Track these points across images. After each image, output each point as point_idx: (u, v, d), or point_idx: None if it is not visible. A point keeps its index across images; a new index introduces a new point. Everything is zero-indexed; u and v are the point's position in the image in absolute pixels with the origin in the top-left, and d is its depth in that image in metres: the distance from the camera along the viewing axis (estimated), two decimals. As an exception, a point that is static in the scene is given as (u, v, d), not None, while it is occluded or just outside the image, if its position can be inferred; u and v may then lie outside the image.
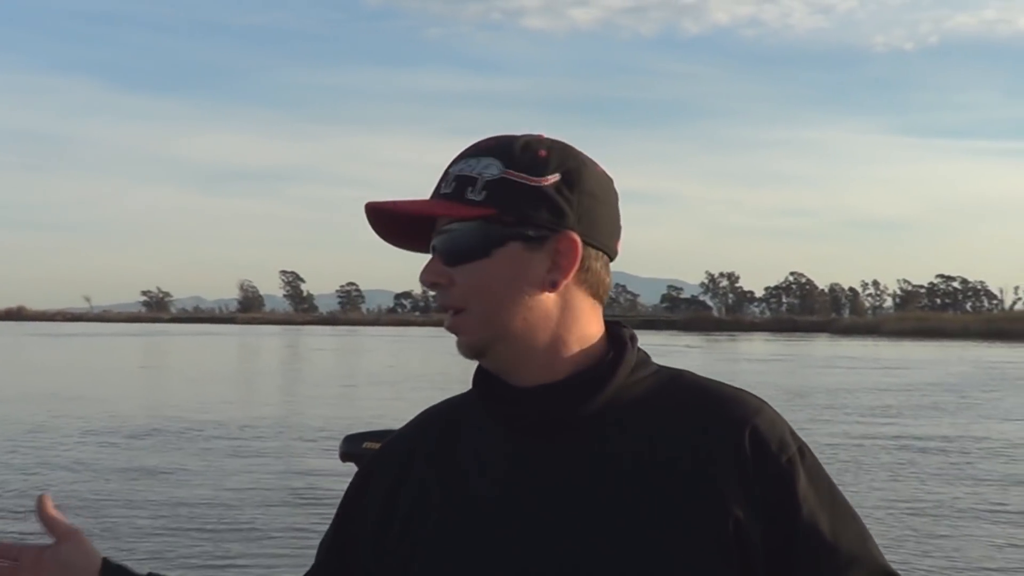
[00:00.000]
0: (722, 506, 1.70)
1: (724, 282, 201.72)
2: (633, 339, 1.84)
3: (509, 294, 1.76)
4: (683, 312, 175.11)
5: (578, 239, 1.77)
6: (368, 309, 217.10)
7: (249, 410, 26.91)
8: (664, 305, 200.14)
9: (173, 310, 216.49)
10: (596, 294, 1.81)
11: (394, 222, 1.83)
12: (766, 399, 1.81)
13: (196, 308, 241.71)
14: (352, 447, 3.33)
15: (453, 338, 1.79)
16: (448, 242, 1.79)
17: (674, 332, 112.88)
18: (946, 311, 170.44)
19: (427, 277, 1.81)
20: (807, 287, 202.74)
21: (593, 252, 1.80)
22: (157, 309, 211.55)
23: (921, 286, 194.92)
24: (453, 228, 1.78)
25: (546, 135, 1.84)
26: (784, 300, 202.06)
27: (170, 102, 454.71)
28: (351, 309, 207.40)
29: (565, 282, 1.77)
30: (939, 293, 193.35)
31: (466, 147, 1.83)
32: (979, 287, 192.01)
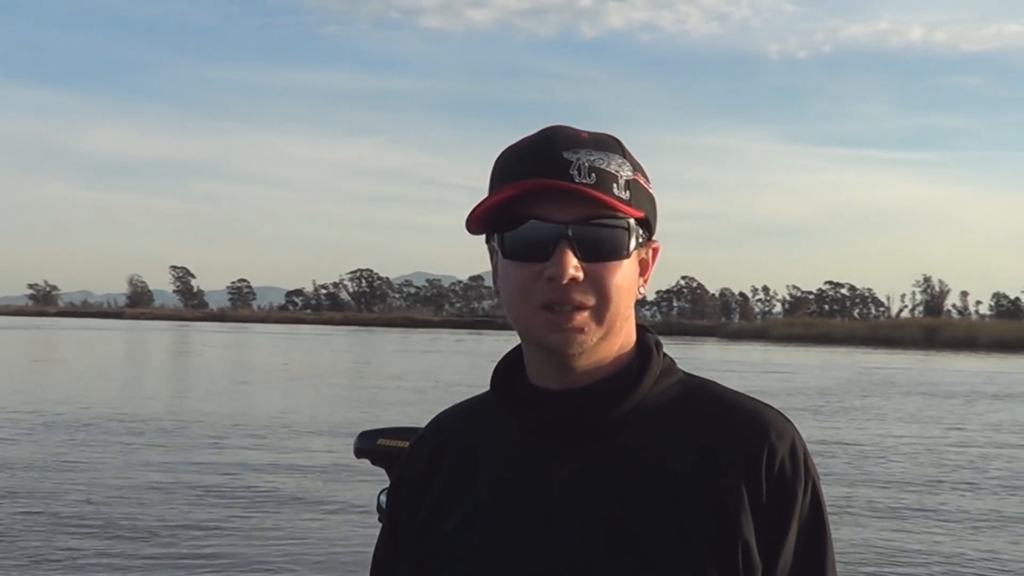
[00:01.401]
0: (730, 522, 1.70)
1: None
2: (659, 346, 1.85)
3: (627, 297, 1.75)
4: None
5: (659, 247, 1.84)
6: (259, 306, 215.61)
7: (141, 405, 26.57)
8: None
9: (60, 304, 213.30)
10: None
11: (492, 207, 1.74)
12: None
13: (84, 302, 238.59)
14: (366, 443, 3.36)
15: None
16: (593, 236, 1.71)
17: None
18: (834, 317, 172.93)
19: (568, 272, 1.70)
20: (698, 291, 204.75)
21: None
22: (44, 303, 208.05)
23: (810, 292, 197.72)
24: (601, 223, 1.72)
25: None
26: (675, 304, 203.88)
27: (61, 94, 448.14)
28: (242, 306, 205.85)
29: (644, 289, 1.81)
30: (827, 299, 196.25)
31: (561, 132, 1.77)
32: (867, 294, 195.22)
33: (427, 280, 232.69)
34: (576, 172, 1.69)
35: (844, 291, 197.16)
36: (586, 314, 1.72)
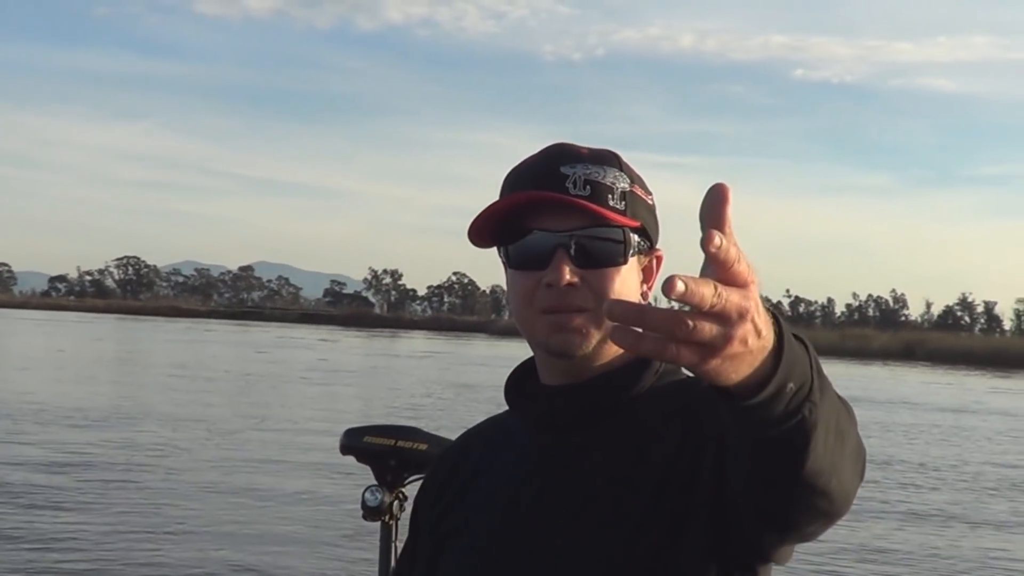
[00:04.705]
0: (700, 510, 1.69)
1: (387, 279, 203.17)
2: None
3: None
4: (345, 307, 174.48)
5: (663, 255, 1.93)
6: (20, 291, 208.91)
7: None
8: (327, 299, 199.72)
9: None
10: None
11: (491, 217, 1.85)
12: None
13: None
14: (352, 440, 3.43)
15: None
16: (588, 245, 1.80)
17: (334, 327, 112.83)
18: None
19: (565, 278, 1.79)
20: (469, 288, 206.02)
21: None
22: None
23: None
24: (595, 232, 1.81)
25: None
26: (446, 299, 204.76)
27: None
28: (1, 291, 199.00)
29: (651, 295, 1.90)
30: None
31: (561, 149, 1.88)
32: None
33: (196, 269, 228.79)
34: (572, 185, 1.81)
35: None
36: (585, 317, 1.80)
